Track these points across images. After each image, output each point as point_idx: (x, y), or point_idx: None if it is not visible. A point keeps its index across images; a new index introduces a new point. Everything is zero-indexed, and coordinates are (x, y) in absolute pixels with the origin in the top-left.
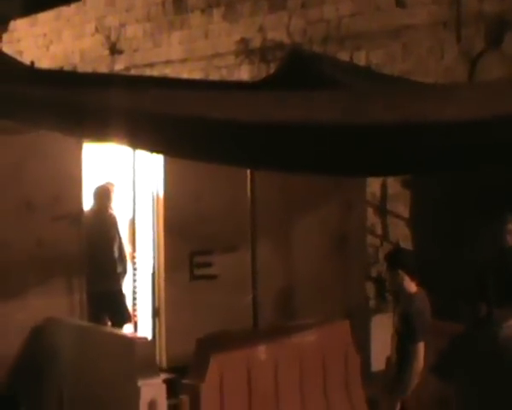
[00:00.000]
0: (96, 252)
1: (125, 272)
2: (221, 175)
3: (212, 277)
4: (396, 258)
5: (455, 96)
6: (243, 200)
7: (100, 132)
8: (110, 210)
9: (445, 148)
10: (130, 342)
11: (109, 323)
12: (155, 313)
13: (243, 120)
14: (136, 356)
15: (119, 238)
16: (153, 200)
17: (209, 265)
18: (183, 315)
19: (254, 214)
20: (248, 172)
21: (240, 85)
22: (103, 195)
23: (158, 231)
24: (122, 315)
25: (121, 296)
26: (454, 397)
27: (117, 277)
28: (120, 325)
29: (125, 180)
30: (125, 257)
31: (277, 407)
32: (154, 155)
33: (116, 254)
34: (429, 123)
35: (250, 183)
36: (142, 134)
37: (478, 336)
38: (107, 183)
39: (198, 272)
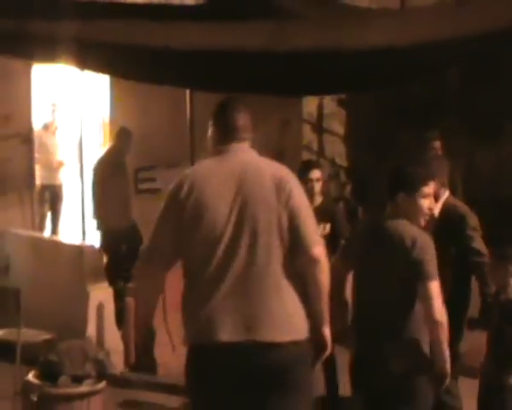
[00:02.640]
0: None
1: None
2: (163, 97)
3: (156, 190)
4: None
5: (375, 23)
6: (184, 119)
7: (50, 57)
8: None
9: (370, 70)
10: (79, 250)
11: None
12: None
13: (182, 48)
14: (85, 263)
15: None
16: (100, 122)
17: (153, 179)
18: None
19: (193, 132)
20: (188, 92)
21: (183, 9)
22: (127, 136)
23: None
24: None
25: None
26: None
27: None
28: None
29: (72, 103)
30: None
31: None
32: (101, 75)
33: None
34: (350, 49)
35: (190, 103)
36: (90, 58)
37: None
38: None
39: (142, 186)
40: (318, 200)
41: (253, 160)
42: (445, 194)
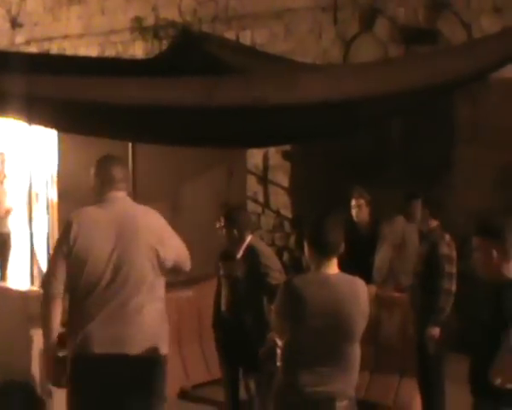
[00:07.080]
0: None
1: None
2: (106, 149)
3: None
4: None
5: (302, 81)
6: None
7: None
8: None
9: (305, 123)
10: (23, 295)
11: None
12: None
13: (123, 102)
14: (29, 308)
15: None
16: (48, 174)
17: None
18: None
19: (136, 182)
20: (130, 145)
21: (132, 63)
22: None
23: (52, 198)
24: None
25: None
26: None
27: None
28: None
29: (21, 153)
30: None
31: None
32: (48, 129)
33: None
34: (279, 103)
35: (132, 155)
36: (38, 113)
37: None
38: None
39: None
40: None
41: (130, 207)
42: (249, 237)
